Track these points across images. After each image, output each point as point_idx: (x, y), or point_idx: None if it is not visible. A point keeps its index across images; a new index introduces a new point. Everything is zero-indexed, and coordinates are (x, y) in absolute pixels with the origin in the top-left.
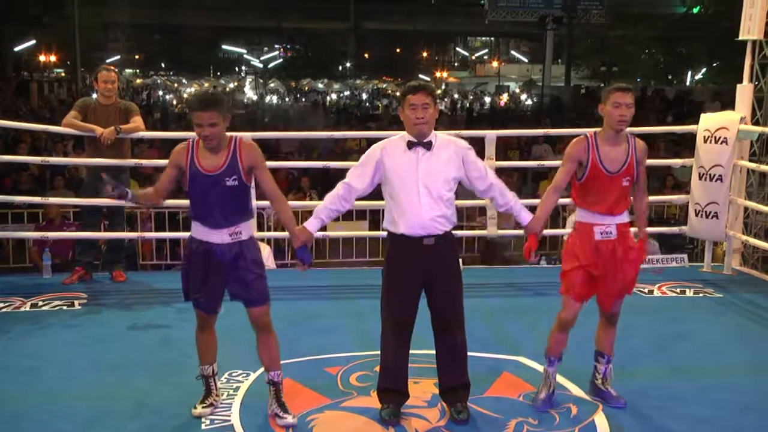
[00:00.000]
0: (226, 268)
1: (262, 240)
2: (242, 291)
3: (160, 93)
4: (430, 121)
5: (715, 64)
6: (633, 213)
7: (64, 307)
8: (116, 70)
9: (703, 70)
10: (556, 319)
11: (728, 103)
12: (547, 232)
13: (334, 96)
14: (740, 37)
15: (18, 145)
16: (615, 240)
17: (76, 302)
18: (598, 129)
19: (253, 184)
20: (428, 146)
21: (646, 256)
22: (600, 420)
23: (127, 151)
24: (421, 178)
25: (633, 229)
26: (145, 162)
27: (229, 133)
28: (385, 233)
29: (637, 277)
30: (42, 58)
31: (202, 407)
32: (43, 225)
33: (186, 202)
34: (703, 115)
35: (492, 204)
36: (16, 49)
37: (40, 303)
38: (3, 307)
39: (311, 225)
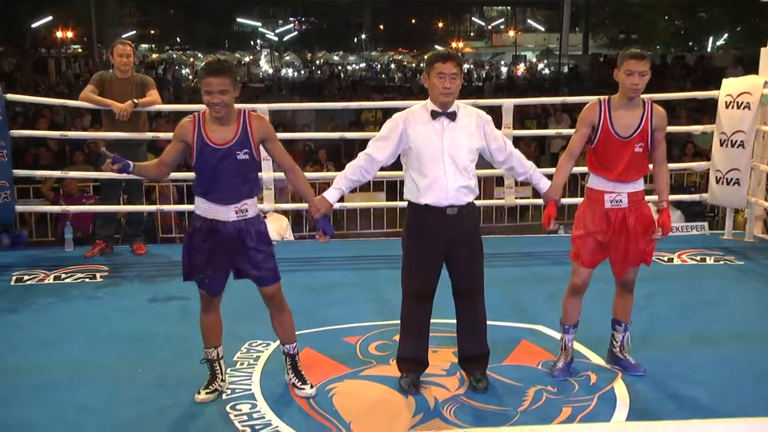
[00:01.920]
0: (232, 246)
1: (280, 212)
2: (252, 270)
3: (176, 68)
4: (455, 92)
5: (737, 29)
6: (652, 182)
7: (87, 280)
8: (132, 44)
9: (725, 35)
10: (568, 284)
11: (751, 68)
12: (566, 201)
13: (349, 68)
14: None
15: (37, 120)
16: (626, 208)
17: (98, 275)
18: (613, 95)
19: (265, 157)
20: (452, 116)
21: (669, 227)
22: (619, 388)
23: (143, 125)
24: (446, 148)
25: (653, 198)
26: (161, 135)
27: (237, 106)
28: (402, 203)
29: (653, 248)
30: (59, 34)
31: (206, 393)
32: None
33: None
34: (725, 81)
35: (510, 174)
36: (34, 25)
37: (63, 276)
38: (27, 280)
39: (330, 195)
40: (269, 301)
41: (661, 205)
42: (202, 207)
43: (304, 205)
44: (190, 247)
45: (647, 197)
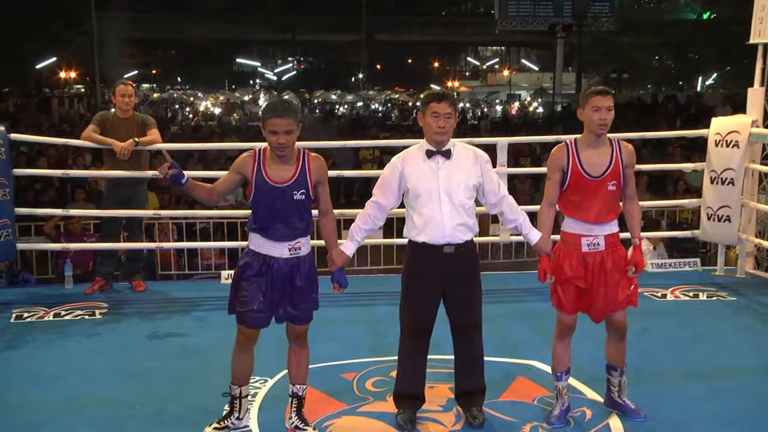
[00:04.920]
0: (282, 283)
1: None
2: (290, 309)
3: (177, 107)
4: (449, 131)
5: (726, 69)
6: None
7: (86, 317)
8: (133, 84)
9: (714, 75)
10: (555, 330)
11: (739, 107)
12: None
13: (345, 107)
14: (751, 41)
15: (39, 159)
16: (603, 251)
17: (97, 312)
18: (578, 135)
19: None
20: (447, 154)
21: (642, 264)
22: (614, 424)
23: (145, 163)
24: (442, 186)
25: (626, 235)
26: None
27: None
28: (400, 241)
29: (637, 289)
30: (62, 74)
31: (215, 428)
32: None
33: (201, 212)
34: (714, 119)
35: (500, 218)
36: (38, 66)
37: (63, 312)
38: (27, 317)
39: (348, 248)
40: (295, 337)
41: (634, 242)
42: (255, 242)
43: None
44: (239, 281)
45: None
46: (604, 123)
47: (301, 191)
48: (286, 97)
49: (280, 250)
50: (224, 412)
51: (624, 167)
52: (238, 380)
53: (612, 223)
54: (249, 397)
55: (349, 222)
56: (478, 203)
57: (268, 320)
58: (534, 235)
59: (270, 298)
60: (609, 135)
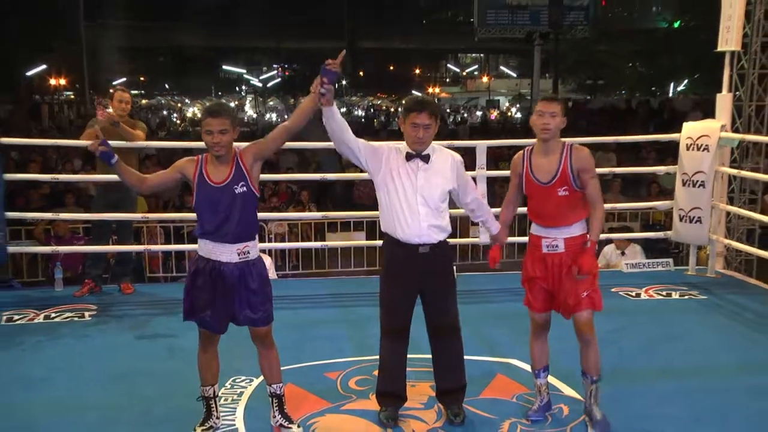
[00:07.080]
0: (234, 288)
1: (264, 251)
2: (248, 312)
3: (164, 113)
4: (428, 140)
5: (696, 76)
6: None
7: (75, 319)
8: (129, 91)
9: (685, 81)
10: (530, 329)
11: (710, 113)
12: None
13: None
14: (718, 49)
15: (29, 164)
16: (563, 253)
17: (87, 314)
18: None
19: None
20: (426, 159)
21: (586, 268)
22: None
23: (135, 166)
24: (419, 188)
25: (613, 236)
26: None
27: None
28: (381, 243)
29: (599, 294)
30: (52, 81)
31: (202, 430)
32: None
33: (188, 215)
34: (685, 124)
35: (470, 214)
36: (28, 73)
37: (53, 315)
38: (17, 319)
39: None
40: (259, 340)
41: (585, 244)
42: (204, 248)
43: (286, 245)
44: (192, 287)
45: (611, 236)
46: (545, 128)
47: (241, 183)
48: (271, 103)
49: (228, 255)
50: (204, 415)
51: (575, 172)
52: (207, 380)
53: (572, 226)
54: (235, 397)
55: (333, 225)
56: (454, 205)
57: (224, 326)
58: (495, 227)
59: (224, 303)
60: (567, 140)
